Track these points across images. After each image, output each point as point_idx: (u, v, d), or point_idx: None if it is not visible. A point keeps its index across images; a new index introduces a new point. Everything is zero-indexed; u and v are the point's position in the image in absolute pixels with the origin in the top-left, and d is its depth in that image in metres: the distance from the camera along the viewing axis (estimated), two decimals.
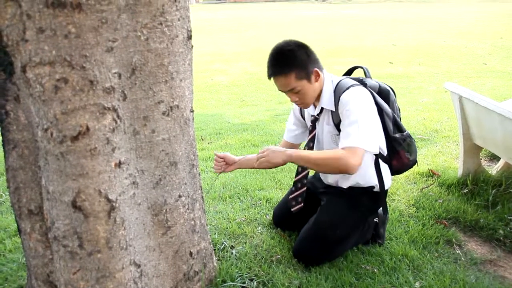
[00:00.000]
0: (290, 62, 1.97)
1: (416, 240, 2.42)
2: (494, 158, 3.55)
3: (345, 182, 2.26)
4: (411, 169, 2.43)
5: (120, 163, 1.45)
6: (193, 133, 1.72)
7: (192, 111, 1.69)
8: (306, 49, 2.01)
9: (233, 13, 23.04)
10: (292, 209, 2.30)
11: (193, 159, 1.74)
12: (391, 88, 2.26)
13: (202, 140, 4.23)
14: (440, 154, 3.66)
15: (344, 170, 1.94)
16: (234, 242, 2.35)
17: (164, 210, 1.66)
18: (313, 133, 2.23)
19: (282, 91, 2.07)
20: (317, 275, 2.09)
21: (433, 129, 4.31)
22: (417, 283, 2.05)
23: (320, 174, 2.40)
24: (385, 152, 2.22)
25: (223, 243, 2.31)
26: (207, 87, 7.39)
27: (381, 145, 2.18)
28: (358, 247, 2.33)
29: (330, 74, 2.16)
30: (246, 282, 2.02)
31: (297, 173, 2.29)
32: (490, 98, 2.61)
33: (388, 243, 2.39)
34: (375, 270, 2.15)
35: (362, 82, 2.14)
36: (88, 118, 1.35)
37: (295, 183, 2.30)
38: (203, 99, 6.62)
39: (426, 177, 3.18)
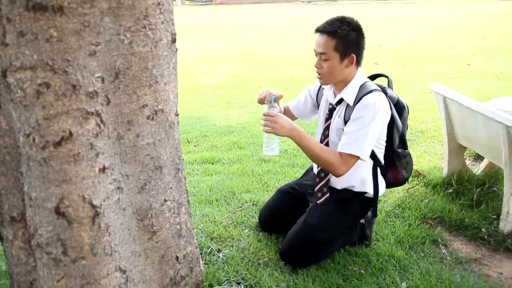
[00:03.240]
0: (341, 31, 2.00)
1: (403, 241, 2.43)
2: (478, 157, 3.59)
3: (339, 184, 2.25)
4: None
5: (104, 168, 1.44)
6: (178, 137, 1.71)
7: (177, 114, 1.68)
8: (359, 36, 2.05)
9: (219, 14, 23.00)
10: (318, 201, 2.26)
11: (178, 163, 1.73)
12: (407, 105, 2.29)
13: (188, 142, 4.21)
14: (426, 154, 3.69)
15: (331, 173, 2.10)
16: (221, 245, 2.34)
17: (150, 215, 1.64)
18: (329, 122, 2.22)
19: (315, 51, 2.08)
20: (304, 277, 2.09)
21: (419, 129, 4.35)
22: (403, 284, 2.07)
23: (315, 170, 2.38)
24: (382, 160, 2.23)
25: (209, 246, 2.30)
26: (194, 89, 7.36)
27: (379, 155, 2.20)
28: (345, 249, 2.33)
29: (362, 75, 2.17)
30: (233, 285, 2.01)
31: None
32: (473, 99, 2.64)
33: (375, 243, 2.41)
34: (362, 271, 2.16)
35: (383, 91, 2.15)
36: (71, 123, 1.33)
37: (318, 173, 2.27)
38: (189, 101, 6.60)
39: (412, 177, 3.20)
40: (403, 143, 2.26)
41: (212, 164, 3.61)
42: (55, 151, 1.33)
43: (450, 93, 2.76)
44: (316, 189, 2.27)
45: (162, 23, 1.50)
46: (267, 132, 2.01)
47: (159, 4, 1.47)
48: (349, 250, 2.33)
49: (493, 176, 2.99)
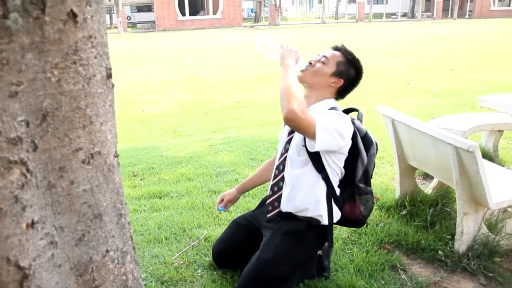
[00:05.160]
0: (351, 58, 2.21)
1: (362, 269, 2.37)
2: (427, 176, 3.63)
3: (292, 204, 2.13)
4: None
5: (33, 222, 1.26)
6: (119, 179, 1.56)
7: (116, 156, 1.53)
8: (357, 77, 2.25)
9: (162, 41, 22.80)
10: (268, 215, 2.22)
11: (121, 208, 1.57)
12: (376, 143, 2.26)
13: (134, 176, 4.01)
14: (376, 176, 3.70)
15: (286, 111, 1.89)
16: None
17: (90, 269, 1.47)
18: (291, 136, 2.18)
19: (319, 54, 2.21)
20: None
21: None
22: None
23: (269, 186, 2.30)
24: (337, 191, 2.16)
25: None
26: (138, 119, 7.14)
27: (334, 183, 2.13)
28: (304, 283, 2.24)
29: (337, 104, 2.21)
30: None
31: (274, 176, 2.23)
32: (418, 118, 2.66)
33: (334, 274, 2.33)
34: None
35: (351, 121, 2.13)
36: None
37: (271, 187, 2.23)
38: (134, 131, 6.37)
39: None
40: (366, 180, 2.19)
41: (160, 198, 3.44)
42: None
43: (398, 116, 2.77)
44: (268, 201, 2.24)
45: (95, 57, 1.36)
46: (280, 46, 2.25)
47: (90, 37, 1.33)
48: (308, 283, 2.24)
49: (445, 195, 3.01)
